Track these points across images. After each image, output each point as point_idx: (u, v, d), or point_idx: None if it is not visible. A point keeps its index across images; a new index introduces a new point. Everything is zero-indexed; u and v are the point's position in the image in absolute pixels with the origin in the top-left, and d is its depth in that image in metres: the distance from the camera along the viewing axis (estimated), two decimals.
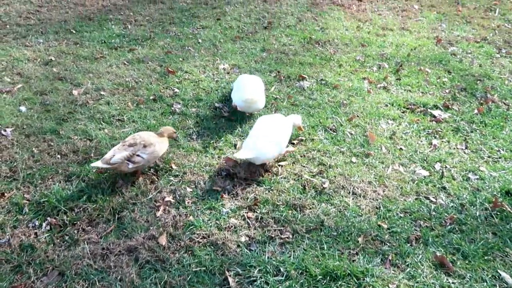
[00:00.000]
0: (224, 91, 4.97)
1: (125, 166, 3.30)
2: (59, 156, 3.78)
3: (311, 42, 6.39)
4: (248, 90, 4.27)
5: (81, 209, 3.19)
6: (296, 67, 5.60)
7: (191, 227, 3.08)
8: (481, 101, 4.94)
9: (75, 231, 3.02)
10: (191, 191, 3.43)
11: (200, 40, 6.36)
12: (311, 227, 3.12)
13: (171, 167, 3.69)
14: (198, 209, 3.25)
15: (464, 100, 4.97)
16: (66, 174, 3.56)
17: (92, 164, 3.30)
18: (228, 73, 5.46)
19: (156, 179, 3.54)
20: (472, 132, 4.39)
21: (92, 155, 3.79)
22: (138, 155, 3.34)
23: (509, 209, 3.32)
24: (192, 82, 5.19)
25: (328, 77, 5.35)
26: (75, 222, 3.09)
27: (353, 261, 2.85)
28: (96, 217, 3.14)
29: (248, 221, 3.17)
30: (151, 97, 4.80)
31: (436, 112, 4.68)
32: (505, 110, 4.79)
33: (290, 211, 3.26)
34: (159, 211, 3.21)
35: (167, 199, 3.32)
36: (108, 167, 3.25)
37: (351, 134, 4.26)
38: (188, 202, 3.31)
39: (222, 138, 4.12)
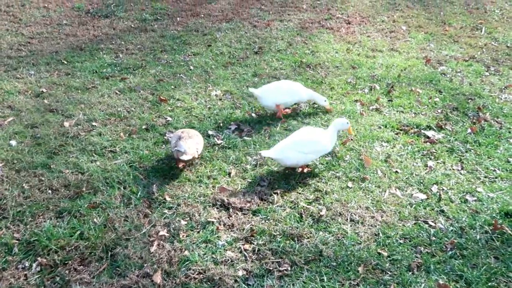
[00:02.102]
0: (216, 118, 4.95)
1: (196, 154, 3.96)
2: (50, 191, 3.70)
3: (302, 66, 6.44)
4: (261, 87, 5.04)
5: (73, 247, 3.10)
6: None
7: (186, 263, 2.99)
8: (474, 120, 4.96)
9: (67, 271, 2.92)
10: (185, 224, 3.36)
11: (191, 67, 6.39)
12: (310, 258, 3.04)
13: (165, 199, 3.62)
14: (194, 243, 3.17)
15: (456, 120, 4.99)
16: (57, 211, 3.48)
17: (183, 158, 3.77)
18: (220, 99, 5.46)
19: (150, 212, 3.47)
20: (466, 152, 4.38)
21: (84, 189, 3.72)
22: (198, 144, 4.00)
23: (509, 231, 3.27)
24: (184, 110, 5.17)
25: None
26: (66, 262, 2.99)
27: None
28: (88, 255, 3.05)
29: (245, 253, 3.10)
30: (144, 127, 4.77)
31: (429, 133, 4.68)
32: (498, 128, 4.81)
33: (288, 241, 3.19)
34: (153, 246, 3.12)
35: (161, 233, 3.24)
36: (192, 157, 3.88)
37: (346, 158, 4.24)
38: (183, 236, 3.23)
39: (216, 167, 4.07)
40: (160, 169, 4.04)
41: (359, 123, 4.89)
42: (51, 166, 4.03)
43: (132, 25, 8.13)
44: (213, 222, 3.37)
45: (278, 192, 3.74)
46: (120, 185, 3.79)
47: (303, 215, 3.46)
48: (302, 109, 5.17)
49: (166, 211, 3.50)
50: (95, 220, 3.36)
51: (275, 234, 3.26)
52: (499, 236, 3.26)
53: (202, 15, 8.64)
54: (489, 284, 2.85)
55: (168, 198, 3.63)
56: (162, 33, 7.76)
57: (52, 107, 5.13)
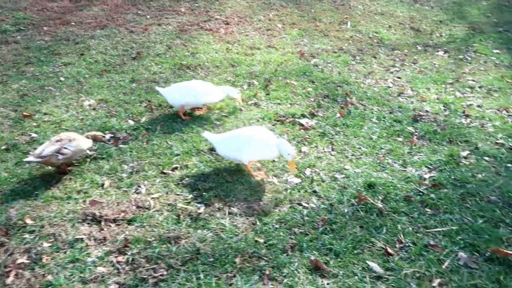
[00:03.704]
0: (90, 129, 4.62)
1: (55, 158, 3.67)
2: None
3: (182, 68, 6.35)
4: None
5: None
6: None
7: None
8: (342, 105, 5.35)
9: None
10: (49, 246, 3.05)
11: (62, 78, 5.91)
12: (187, 258, 2.97)
13: (26, 222, 3.25)
14: (59, 265, 2.89)
15: (327, 106, 5.33)
16: None
17: (25, 159, 3.62)
18: (94, 109, 5.13)
19: (7, 240, 3.09)
20: (336, 134, 4.69)
21: None
22: (65, 148, 3.73)
23: (372, 201, 3.56)
24: (52, 124, 4.75)
25: None
26: None
27: (230, 285, 2.76)
28: None
29: (118, 266, 2.91)
30: (3, 147, 4.27)
31: (303, 121, 4.92)
32: (363, 110, 5.24)
33: (164, 245, 3.07)
34: (10, 278, 2.77)
35: (19, 260, 2.90)
36: (39, 160, 3.61)
37: None
38: (46, 259, 2.93)
39: (87, 180, 3.79)
40: (21, 191, 3.64)
41: (239, 119, 4.96)
42: None
43: None
44: (82, 239, 3.12)
45: (156, 196, 3.60)
46: None
47: (181, 216, 3.37)
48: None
49: (26, 235, 3.14)
50: None
51: (151, 240, 3.12)
52: (363, 206, 3.52)
53: (73, 23, 8.07)
54: (355, 251, 3.06)
55: (29, 221, 3.27)
56: (26, 44, 7.07)
57: None
